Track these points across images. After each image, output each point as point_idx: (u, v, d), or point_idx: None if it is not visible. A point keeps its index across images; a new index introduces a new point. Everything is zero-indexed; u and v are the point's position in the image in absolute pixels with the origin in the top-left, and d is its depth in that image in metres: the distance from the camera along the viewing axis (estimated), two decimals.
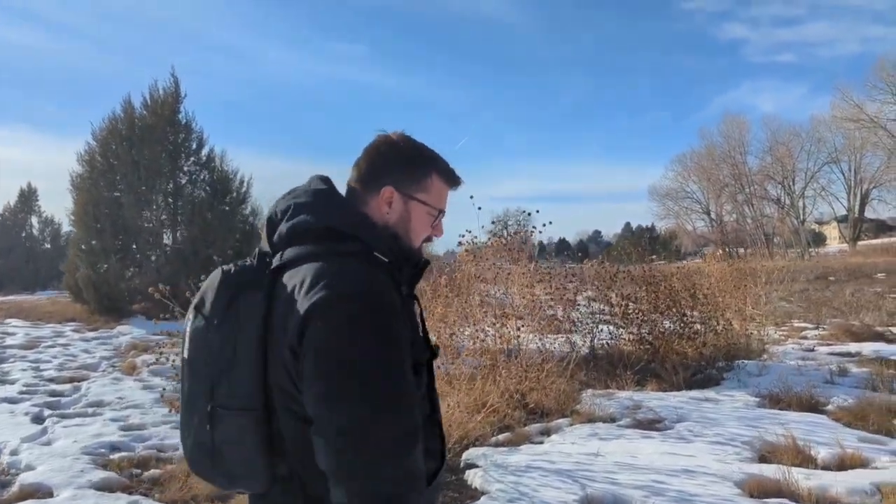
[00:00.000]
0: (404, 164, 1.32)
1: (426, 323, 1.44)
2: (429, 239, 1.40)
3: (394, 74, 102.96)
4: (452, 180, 1.38)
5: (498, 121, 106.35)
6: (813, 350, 9.48)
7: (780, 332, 12.05)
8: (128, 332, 11.99)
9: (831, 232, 55.11)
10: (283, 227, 1.26)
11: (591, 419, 5.50)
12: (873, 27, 68.02)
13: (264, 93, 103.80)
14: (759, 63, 78.51)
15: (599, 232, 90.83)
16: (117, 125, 14.30)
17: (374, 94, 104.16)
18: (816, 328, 12.18)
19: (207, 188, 14.76)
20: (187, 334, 1.24)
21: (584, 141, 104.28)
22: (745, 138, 50.88)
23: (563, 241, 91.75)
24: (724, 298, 8.84)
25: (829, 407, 5.61)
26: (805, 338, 11.36)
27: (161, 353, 6.18)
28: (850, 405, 5.47)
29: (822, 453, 4.34)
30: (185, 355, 1.24)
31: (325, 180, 1.34)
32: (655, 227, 61.44)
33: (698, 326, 7.41)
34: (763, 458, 4.38)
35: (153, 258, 13.86)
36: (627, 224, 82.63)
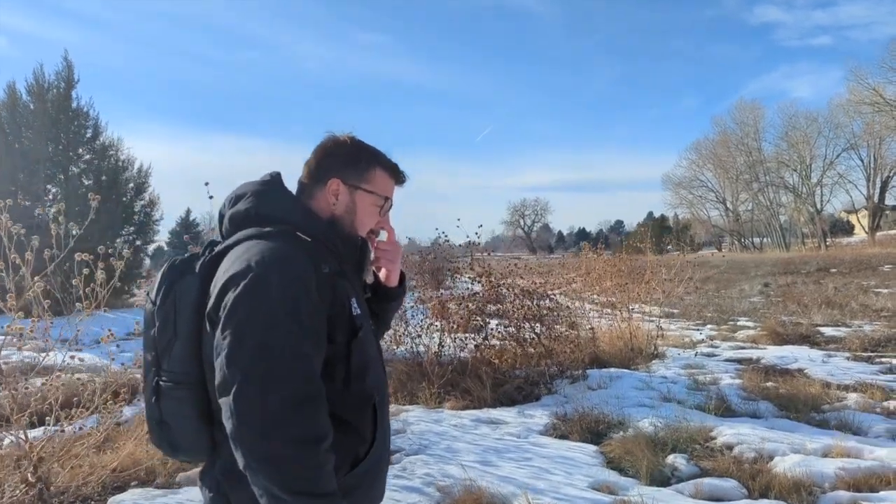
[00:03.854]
0: (350, 158, 1.41)
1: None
2: (375, 232, 1.47)
3: (416, 64, 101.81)
4: (396, 175, 1.47)
5: (522, 110, 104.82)
6: (713, 356, 8.36)
7: (715, 332, 10.94)
8: None
9: (860, 221, 52.38)
10: (226, 216, 1.37)
11: None
12: None
13: (282, 81, 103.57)
14: (794, 47, 75.23)
15: (622, 222, 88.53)
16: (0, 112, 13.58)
17: (397, 84, 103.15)
18: (753, 329, 11.00)
19: (104, 178, 13.88)
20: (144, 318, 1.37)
21: (611, 129, 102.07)
22: (760, 125, 48.56)
23: (582, 231, 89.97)
24: (593, 296, 7.80)
25: (616, 435, 4.59)
26: (733, 339, 10.20)
27: None
28: (629, 436, 4.43)
29: None
30: (143, 337, 1.35)
31: (273, 175, 1.42)
32: (678, 217, 58.87)
33: (529, 334, 6.38)
34: None
35: (44, 253, 13.12)
36: (650, 214, 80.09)
